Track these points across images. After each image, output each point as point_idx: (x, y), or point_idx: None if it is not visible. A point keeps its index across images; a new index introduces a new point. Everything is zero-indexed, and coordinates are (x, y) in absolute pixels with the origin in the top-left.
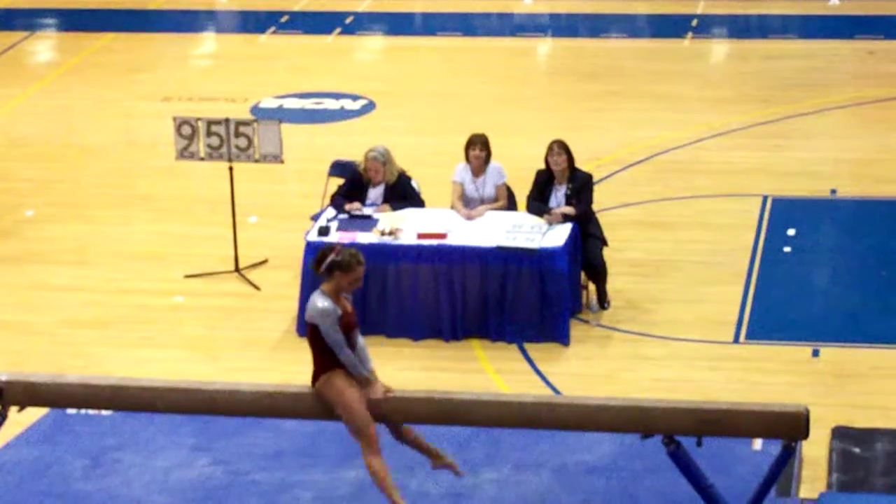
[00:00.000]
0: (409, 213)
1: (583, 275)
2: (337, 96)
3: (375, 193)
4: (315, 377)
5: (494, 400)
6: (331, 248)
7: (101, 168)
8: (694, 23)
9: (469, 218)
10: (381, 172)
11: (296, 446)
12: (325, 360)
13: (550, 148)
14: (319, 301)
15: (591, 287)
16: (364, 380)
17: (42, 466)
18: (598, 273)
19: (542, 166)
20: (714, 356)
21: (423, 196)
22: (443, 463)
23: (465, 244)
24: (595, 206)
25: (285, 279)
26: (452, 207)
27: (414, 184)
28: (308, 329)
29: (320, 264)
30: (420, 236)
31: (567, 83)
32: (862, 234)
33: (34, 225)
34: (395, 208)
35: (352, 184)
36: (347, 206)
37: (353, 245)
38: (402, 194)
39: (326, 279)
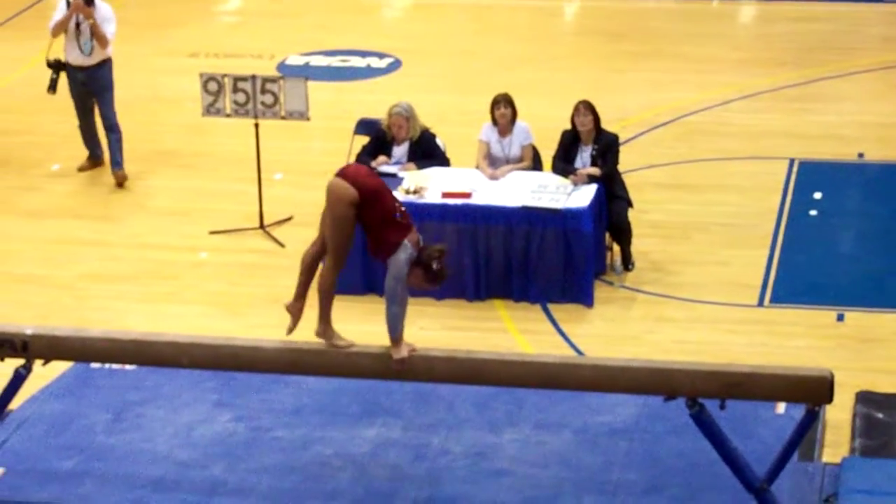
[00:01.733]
0: (434, 171)
1: (607, 236)
2: (363, 54)
3: (400, 151)
4: (343, 174)
5: (517, 360)
6: (441, 252)
7: (127, 123)
8: None
9: (493, 178)
10: (406, 128)
11: (317, 403)
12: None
13: (577, 108)
14: (403, 257)
15: (616, 248)
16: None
17: (66, 420)
18: (623, 234)
19: (568, 127)
20: (738, 319)
21: (449, 155)
22: (295, 309)
23: (490, 204)
24: (620, 167)
25: (310, 237)
26: (477, 167)
27: (439, 142)
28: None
29: (422, 258)
30: (445, 195)
31: (593, 43)
32: (888, 198)
33: (59, 179)
34: (420, 167)
35: (376, 142)
36: (374, 162)
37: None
38: (427, 152)
39: (417, 264)
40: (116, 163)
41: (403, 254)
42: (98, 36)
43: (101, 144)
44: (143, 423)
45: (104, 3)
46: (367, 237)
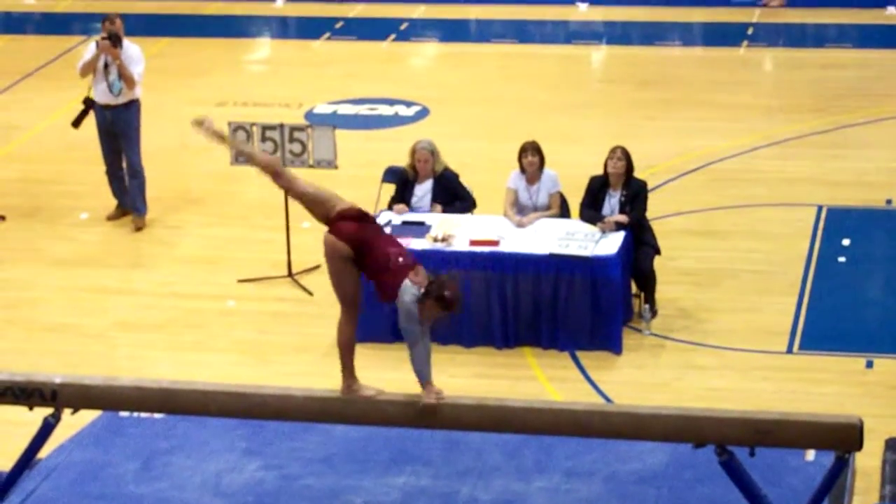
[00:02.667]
0: (462, 219)
1: (633, 283)
2: (391, 102)
3: (422, 190)
4: (337, 233)
5: (546, 407)
6: (450, 279)
7: (156, 172)
8: (749, 31)
9: (521, 225)
10: (431, 163)
11: (346, 451)
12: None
13: (613, 151)
14: (410, 296)
15: (644, 295)
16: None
17: (94, 469)
18: (647, 281)
19: (595, 173)
20: (767, 366)
21: (477, 202)
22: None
23: (518, 251)
24: (649, 214)
25: None
26: (505, 214)
27: (463, 182)
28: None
29: (430, 290)
30: (473, 243)
31: (621, 91)
32: None
33: (88, 228)
34: (445, 209)
35: (401, 188)
36: (395, 209)
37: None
38: (451, 190)
39: (425, 293)
40: (137, 209)
41: (407, 295)
42: (125, 77)
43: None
44: (171, 471)
45: (133, 45)
46: (374, 283)
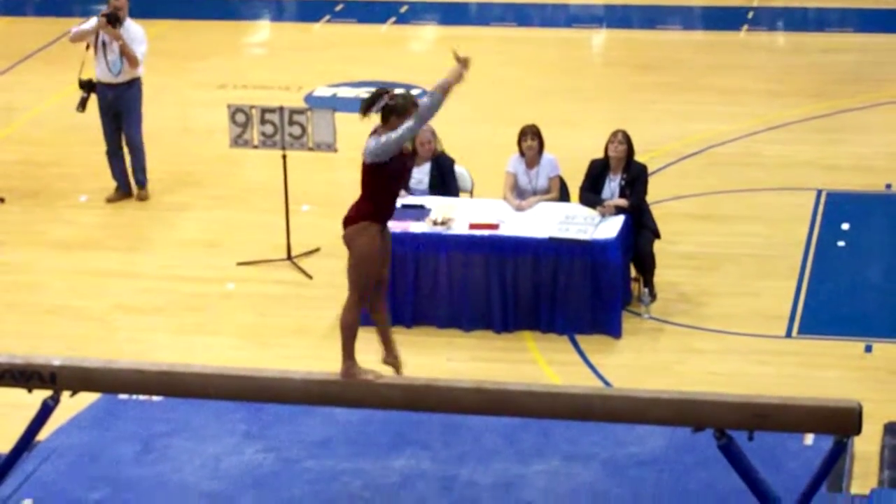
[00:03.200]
0: (462, 202)
1: (633, 266)
2: (391, 85)
3: (421, 172)
4: (349, 220)
5: (545, 391)
6: (382, 91)
7: (156, 155)
8: (750, 15)
9: (520, 209)
10: (433, 143)
11: (345, 434)
12: (366, 207)
13: (614, 134)
14: (375, 139)
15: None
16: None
17: (94, 451)
18: (646, 265)
19: (595, 157)
20: (766, 350)
21: (477, 186)
22: (392, 361)
23: (518, 235)
24: (649, 198)
25: (337, 268)
26: (504, 198)
27: (458, 169)
28: (362, 169)
29: (369, 108)
30: (472, 226)
31: (621, 75)
32: None
33: (88, 210)
34: (434, 192)
35: None
36: None
37: (405, 234)
38: (445, 174)
39: (383, 125)
40: (139, 181)
41: (368, 142)
42: (128, 56)
43: (129, 175)
44: (170, 454)
45: (135, 24)
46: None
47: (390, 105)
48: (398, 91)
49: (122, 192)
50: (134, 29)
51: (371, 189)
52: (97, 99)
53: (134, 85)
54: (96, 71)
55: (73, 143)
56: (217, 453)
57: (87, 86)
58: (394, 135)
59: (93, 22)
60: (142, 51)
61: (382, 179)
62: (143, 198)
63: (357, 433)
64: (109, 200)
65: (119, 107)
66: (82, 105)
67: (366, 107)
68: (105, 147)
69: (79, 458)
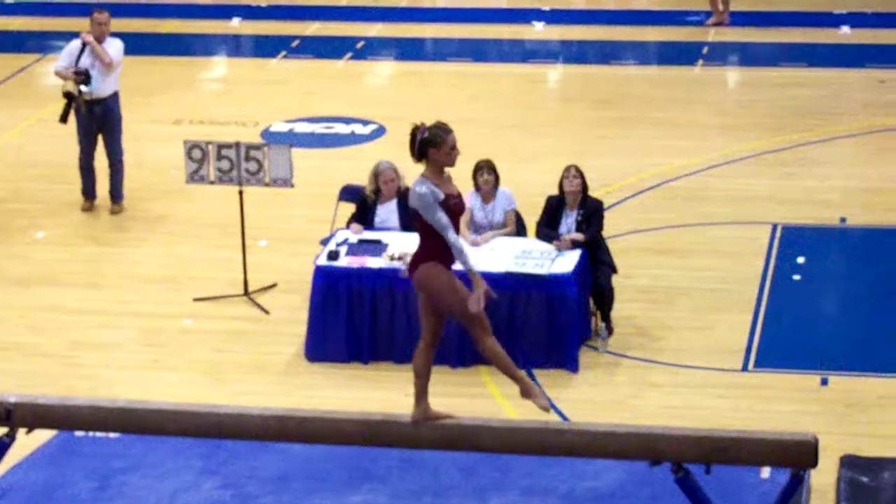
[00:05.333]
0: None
1: (591, 301)
2: (347, 121)
3: (386, 211)
4: (413, 266)
5: (502, 426)
6: (415, 128)
7: None
8: (705, 50)
9: (476, 244)
10: (396, 181)
11: (303, 470)
12: (429, 249)
13: (567, 170)
14: (418, 186)
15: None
16: (469, 271)
17: (49, 489)
18: (605, 299)
19: (552, 192)
20: (723, 384)
21: None
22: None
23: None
24: (605, 233)
25: (294, 303)
26: (459, 234)
27: None
28: (412, 215)
29: (413, 150)
30: None
31: (578, 109)
32: (871, 262)
33: (45, 246)
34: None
35: (361, 207)
36: (352, 228)
37: (362, 269)
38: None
39: (425, 164)
40: (119, 196)
41: (416, 188)
42: (100, 56)
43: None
44: (127, 491)
45: (115, 41)
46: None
47: (424, 140)
48: (430, 124)
49: (92, 198)
50: (113, 45)
51: (428, 233)
52: (78, 116)
53: (116, 98)
54: (80, 89)
55: (30, 178)
56: (174, 490)
57: (69, 97)
58: (431, 217)
59: (73, 52)
60: (116, 58)
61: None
62: (116, 212)
63: (315, 469)
64: (85, 210)
65: (105, 123)
66: (64, 117)
67: (412, 151)
68: (79, 161)
69: (34, 496)
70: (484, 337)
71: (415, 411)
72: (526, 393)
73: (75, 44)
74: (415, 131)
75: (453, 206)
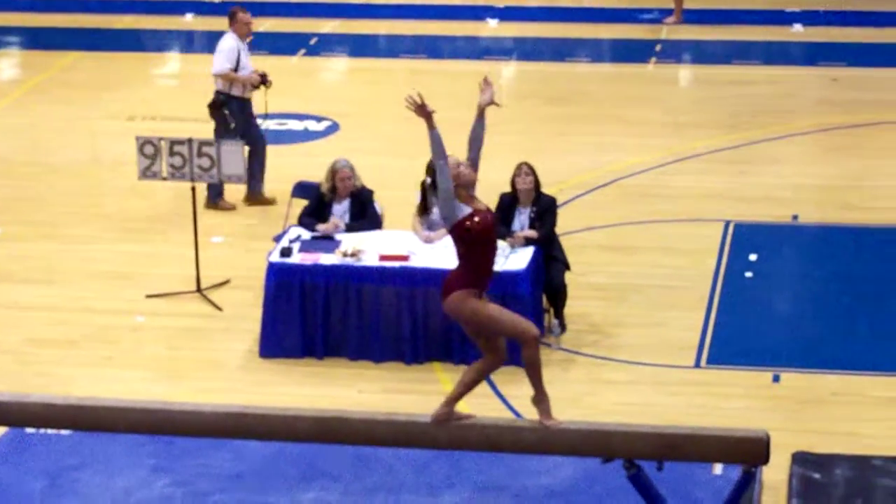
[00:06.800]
0: (372, 234)
1: (544, 298)
2: (301, 117)
3: (341, 209)
4: (446, 290)
5: (455, 422)
6: (423, 183)
7: (67, 186)
8: (658, 48)
9: (429, 241)
10: (352, 179)
11: (256, 467)
12: (463, 275)
13: (518, 168)
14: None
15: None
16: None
17: (0, 486)
18: (559, 297)
19: (504, 189)
20: (675, 381)
21: (387, 218)
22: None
23: (428, 266)
24: (558, 230)
25: (247, 300)
26: (413, 230)
27: (376, 204)
28: (451, 236)
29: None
30: (382, 258)
31: (531, 107)
32: (823, 259)
33: (1, 244)
34: (350, 227)
35: (317, 203)
36: (322, 227)
37: (316, 265)
38: (365, 207)
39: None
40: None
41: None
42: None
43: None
44: (79, 488)
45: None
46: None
47: (430, 181)
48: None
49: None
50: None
51: (466, 253)
52: (245, 116)
53: None
54: (234, 90)
55: None
56: (127, 487)
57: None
58: (439, 185)
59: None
60: (218, 61)
61: (474, 242)
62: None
63: (268, 466)
64: (230, 209)
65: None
66: (228, 120)
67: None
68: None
69: None
70: (529, 345)
71: (440, 410)
72: (537, 403)
73: (232, 44)
74: (423, 186)
75: (479, 223)
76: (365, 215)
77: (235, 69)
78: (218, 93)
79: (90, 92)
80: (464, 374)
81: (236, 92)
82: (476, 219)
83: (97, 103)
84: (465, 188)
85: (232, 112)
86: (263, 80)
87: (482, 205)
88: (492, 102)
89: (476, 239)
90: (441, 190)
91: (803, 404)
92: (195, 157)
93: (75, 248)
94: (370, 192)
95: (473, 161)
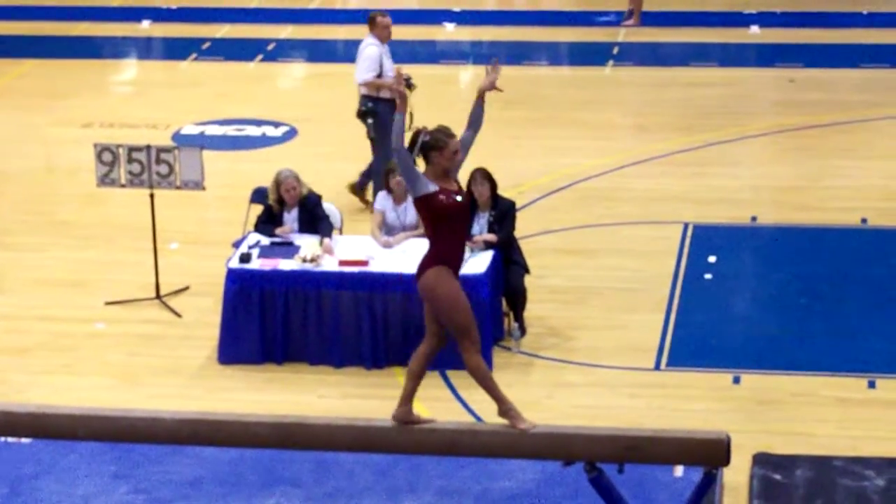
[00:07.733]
0: (331, 240)
1: (504, 302)
2: (258, 123)
3: (292, 217)
4: (420, 270)
5: (417, 427)
6: (418, 131)
7: (22, 194)
8: (615, 50)
9: (387, 245)
10: (298, 189)
11: (216, 474)
12: (437, 253)
13: (473, 176)
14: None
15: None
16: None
17: None
18: (518, 300)
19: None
20: (635, 383)
21: (345, 223)
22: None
23: (387, 271)
24: (517, 233)
25: (207, 306)
26: (372, 235)
27: (327, 206)
28: (417, 210)
29: (412, 151)
30: (342, 263)
31: (489, 110)
32: (782, 261)
33: None
34: (308, 231)
35: (269, 212)
36: (279, 231)
37: (275, 271)
38: (315, 213)
39: (427, 166)
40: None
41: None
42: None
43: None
44: (39, 496)
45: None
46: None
47: (426, 142)
48: (433, 128)
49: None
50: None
51: (433, 232)
52: (387, 120)
53: None
54: (382, 92)
55: None
56: (87, 495)
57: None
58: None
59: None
60: (361, 68)
61: (439, 219)
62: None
63: (228, 472)
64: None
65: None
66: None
67: (411, 150)
68: (378, 167)
69: None
70: (472, 352)
71: (398, 411)
72: (505, 413)
73: (375, 51)
74: (416, 135)
75: (443, 201)
76: (314, 222)
77: (379, 74)
78: (364, 98)
79: (45, 100)
80: (410, 365)
81: (385, 94)
82: (441, 197)
83: (52, 111)
84: (447, 171)
85: (381, 115)
86: (407, 84)
87: (454, 186)
88: (493, 87)
89: (440, 215)
90: (402, 171)
91: (763, 405)
92: (154, 163)
93: (29, 255)
94: (318, 197)
95: (466, 142)
